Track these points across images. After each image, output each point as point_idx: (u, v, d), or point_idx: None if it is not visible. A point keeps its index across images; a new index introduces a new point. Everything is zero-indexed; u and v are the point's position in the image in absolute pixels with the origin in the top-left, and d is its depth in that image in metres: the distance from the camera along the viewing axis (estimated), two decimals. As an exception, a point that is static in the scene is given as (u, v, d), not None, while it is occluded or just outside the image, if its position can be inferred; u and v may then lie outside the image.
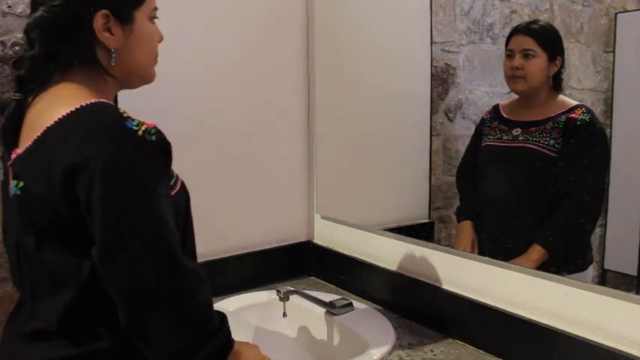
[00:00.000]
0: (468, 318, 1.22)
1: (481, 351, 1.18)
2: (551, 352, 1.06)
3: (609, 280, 1.28)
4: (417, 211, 1.60)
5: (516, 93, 1.34)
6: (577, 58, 1.31)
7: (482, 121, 1.42)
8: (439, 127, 1.56)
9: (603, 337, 0.99)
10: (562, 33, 1.31)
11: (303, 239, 1.72)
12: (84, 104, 0.79)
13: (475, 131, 1.45)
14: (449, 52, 1.53)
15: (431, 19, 1.52)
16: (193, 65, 1.46)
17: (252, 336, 1.37)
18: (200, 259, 1.46)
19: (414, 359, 1.17)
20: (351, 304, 1.36)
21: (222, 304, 1.41)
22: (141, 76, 0.95)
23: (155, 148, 0.80)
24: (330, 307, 1.34)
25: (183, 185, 0.96)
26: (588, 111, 1.24)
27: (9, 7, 1.23)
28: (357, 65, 1.65)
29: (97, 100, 0.81)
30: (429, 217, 1.58)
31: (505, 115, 1.37)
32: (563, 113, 1.26)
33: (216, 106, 1.52)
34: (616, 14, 1.27)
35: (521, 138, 1.31)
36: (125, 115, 0.79)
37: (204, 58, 1.48)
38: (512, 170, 1.36)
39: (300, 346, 1.40)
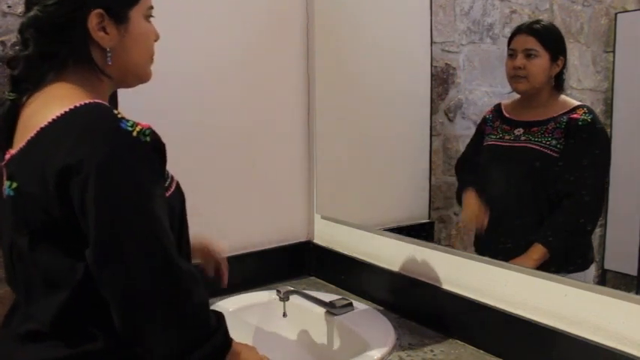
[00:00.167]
0: (468, 318, 1.22)
1: (481, 351, 1.18)
2: (551, 352, 1.06)
3: (609, 280, 1.28)
4: (417, 211, 1.60)
5: (518, 93, 1.34)
6: (577, 58, 1.31)
7: (485, 120, 1.42)
8: (439, 127, 1.56)
9: (603, 337, 0.99)
10: (562, 33, 1.31)
11: (303, 239, 1.72)
12: (78, 105, 0.79)
13: (477, 129, 1.45)
14: (449, 52, 1.53)
15: (431, 19, 1.52)
16: (193, 65, 1.46)
17: (252, 336, 1.37)
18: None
19: (414, 359, 1.17)
20: (351, 304, 1.36)
21: (222, 304, 1.41)
22: (137, 76, 0.94)
23: (149, 149, 0.79)
24: (330, 307, 1.34)
25: (178, 186, 0.96)
26: (590, 111, 1.24)
27: (9, 7, 1.23)
28: (357, 65, 1.65)
29: (91, 101, 0.80)
30: (429, 217, 1.58)
31: (507, 115, 1.37)
32: (565, 113, 1.26)
33: (217, 106, 1.52)
34: (616, 14, 1.27)
35: (523, 138, 1.31)
36: (119, 115, 0.78)
37: (205, 58, 1.48)
38: (513, 170, 1.36)
39: (300, 346, 1.40)
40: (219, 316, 0.88)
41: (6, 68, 0.91)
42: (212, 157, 1.53)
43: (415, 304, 1.36)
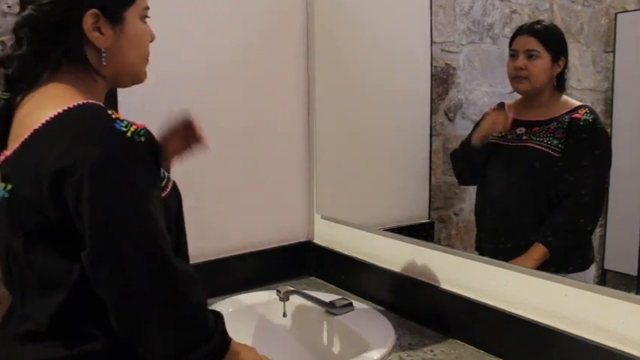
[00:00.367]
0: (468, 318, 1.22)
1: (481, 351, 1.18)
2: (551, 352, 1.06)
3: (609, 280, 1.28)
4: (417, 211, 1.60)
5: (519, 93, 1.34)
6: (577, 58, 1.31)
7: (485, 116, 1.42)
8: (439, 127, 1.56)
9: (603, 337, 0.99)
10: (563, 33, 1.31)
11: (303, 239, 1.72)
12: (71, 106, 0.78)
13: (478, 124, 1.44)
14: (449, 52, 1.53)
15: (431, 19, 1.52)
16: (194, 65, 1.46)
17: (252, 336, 1.37)
18: (201, 259, 1.47)
19: (414, 359, 1.17)
20: (351, 304, 1.36)
21: (223, 304, 1.41)
22: (131, 76, 0.94)
23: (144, 149, 0.79)
24: (330, 307, 1.34)
25: (174, 186, 0.95)
26: (591, 111, 1.24)
27: (9, 7, 1.23)
28: (357, 65, 1.65)
29: (85, 101, 0.80)
30: (429, 217, 1.58)
31: (510, 114, 1.37)
32: (567, 113, 1.26)
33: (217, 106, 1.52)
34: (616, 14, 1.27)
35: (524, 137, 1.31)
36: (114, 116, 0.78)
37: (205, 58, 1.48)
38: (514, 169, 1.36)
39: (300, 346, 1.40)
40: (218, 317, 0.88)
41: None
42: (212, 157, 1.52)
43: (415, 304, 1.36)
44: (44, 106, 0.80)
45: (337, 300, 1.36)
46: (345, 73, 1.65)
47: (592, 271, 1.27)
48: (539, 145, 1.28)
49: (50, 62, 0.85)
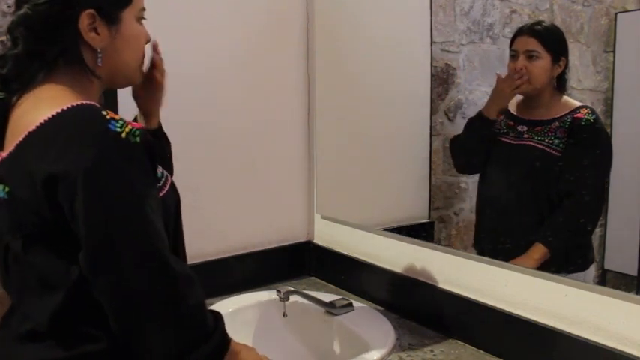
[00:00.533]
0: (468, 318, 1.22)
1: (481, 351, 1.18)
2: (551, 352, 1.06)
3: (609, 280, 1.27)
4: (417, 211, 1.60)
5: (520, 94, 1.34)
6: (577, 58, 1.31)
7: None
8: (439, 127, 1.56)
9: (603, 337, 0.99)
10: (564, 34, 1.31)
11: (303, 239, 1.72)
12: (65, 107, 0.78)
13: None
14: (449, 52, 1.53)
15: (431, 19, 1.52)
16: (193, 65, 1.45)
17: (252, 336, 1.37)
18: (200, 259, 1.47)
19: (414, 359, 1.17)
20: (351, 304, 1.36)
21: (223, 304, 1.41)
22: (126, 77, 0.94)
23: (140, 150, 0.78)
24: (330, 307, 1.34)
25: (173, 186, 0.95)
26: (593, 112, 1.24)
27: (9, 7, 1.23)
28: (357, 65, 1.65)
29: (80, 102, 0.79)
30: (429, 217, 1.58)
31: (512, 111, 1.36)
32: (568, 113, 1.26)
33: (217, 107, 1.52)
34: (616, 14, 1.27)
35: (525, 136, 1.32)
36: (108, 116, 0.77)
37: (205, 58, 1.48)
38: (514, 169, 1.36)
39: (300, 346, 1.40)
40: (217, 317, 0.87)
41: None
42: (212, 157, 1.53)
43: (415, 304, 1.36)
44: (39, 107, 0.80)
45: (337, 300, 1.36)
46: (345, 73, 1.65)
47: (592, 271, 1.27)
48: (540, 144, 1.28)
49: (46, 62, 0.84)
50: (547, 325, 1.07)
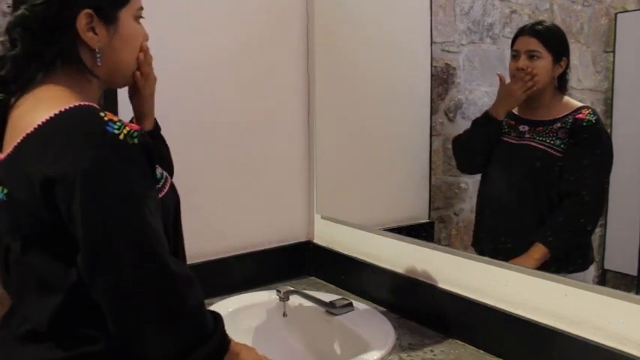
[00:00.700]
0: (468, 318, 1.22)
1: (481, 351, 1.18)
2: (551, 352, 1.06)
3: (609, 280, 1.27)
4: (417, 211, 1.60)
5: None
6: (577, 58, 1.31)
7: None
8: (439, 127, 1.56)
9: (603, 337, 0.99)
10: (565, 34, 1.31)
11: (303, 239, 1.72)
12: (64, 109, 0.77)
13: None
14: (449, 52, 1.53)
15: (431, 19, 1.52)
16: (193, 65, 1.46)
17: (252, 336, 1.37)
18: (200, 259, 1.47)
19: (414, 359, 1.17)
20: (351, 304, 1.36)
21: (222, 304, 1.41)
22: (125, 76, 0.94)
23: (138, 151, 0.78)
24: (330, 307, 1.34)
25: (172, 187, 0.95)
26: (594, 112, 1.24)
27: (9, 7, 1.23)
28: (357, 65, 1.65)
29: (78, 104, 0.79)
30: (429, 217, 1.58)
31: (513, 111, 1.36)
32: (570, 114, 1.26)
33: (216, 106, 1.52)
34: (616, 14, 1.27)
35: (527, 135, 1.32)
36: (106, 118, 0.77)
37: (205, 57, 1.48)
38: (515, 168, 1.36)
39: (300, 346, 1.40)
40: (217, 318, 0.87)
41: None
42: (212, 157, 1.53)
43: (415, 304, 1.36)
44: (38, 108, 0.79)
45: (337, 300, 1.36)
46: (345, 73, 1.65)
47: (592, 271, 1.27)
48: (541, 144, 1.28)
49: (44, 63, 0.84)
50: (547, 325, 1.07)
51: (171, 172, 1.07)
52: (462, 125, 1.54)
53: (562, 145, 1.26)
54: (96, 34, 0.85)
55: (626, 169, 1.21)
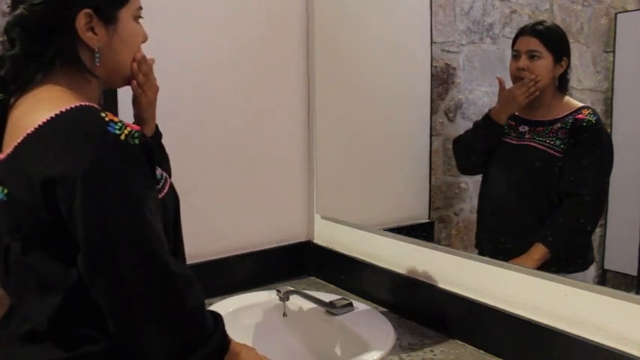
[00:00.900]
0: (468, 318, 1.22)
1: (481, 351, 1.18)
2: (551, 352, 1.06)
3: (609, 280, 1.28)
4: (417, 211, 1.60)
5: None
6: (577, 58, 1.31)
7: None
8: (439, 127, 1.56)
9: (603, 337, 0.99)
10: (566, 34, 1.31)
11: (303, 239, 1.72)
12: (64, 109, 0.77)
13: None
14: (449, 52, 1.53)
15: (431, 19, 1.52)
16: (193, 65, 1.46)
17: (252, 336, 1.37)
18: (200, 259, 1.47)
19: (413, 359, 1.17)
20: (351, 304, 1.36)
21: (223, 304, 1.41)
22: (123, 77, 0.94)
23: (139, 152, 0.78)
24: (330, 307, 1.34)
25: (172, 187, 0.95)
26: (594, 112, 1.25)
27: (9, 7, 1.23)
28: (357, 65, 1.65)
29: (78, 104, 0.79)
30: (429, 217, 1.58)
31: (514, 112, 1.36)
32: (570, 114, 1.26)
33: (216, 107, 1.52)
34: (616, 14, 1.27)
35: (527, 136, 1.32)
36: (107, 118, 0.77)
37: (205, 57, 1.48)
38: (515, 169, 1.36)
39: (300, 346, 1.40)
40: (217, 318, 0.87)
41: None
42: (212, 157, 1.53)
43: (415, 304, 1.36)
44: (38, 108, 0.79)
45: (337, 300, 1.36)
46: (345, 73, 1.65)
47: (592, 271, 1.27)
48: (541, 144, 1.28)
49: (43, 63, 0.84)
50: (547, 325, 1.07)
51: (169, 175, 1.07)
52: (462, 125, 1.54)
53: (562, 146, 1.26)
54: (95, 33, 0.85)
55: (626, 169, 1.21)
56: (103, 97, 1.25)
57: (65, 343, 0.80)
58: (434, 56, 1.53)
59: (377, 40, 1.63)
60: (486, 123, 1.37)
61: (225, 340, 0.86)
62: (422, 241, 1.38)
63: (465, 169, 1.54)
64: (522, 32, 1.31)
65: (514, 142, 1.34)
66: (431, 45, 1.53)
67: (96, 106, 0.82)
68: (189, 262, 1.02)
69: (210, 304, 1.40)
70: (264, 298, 1.47)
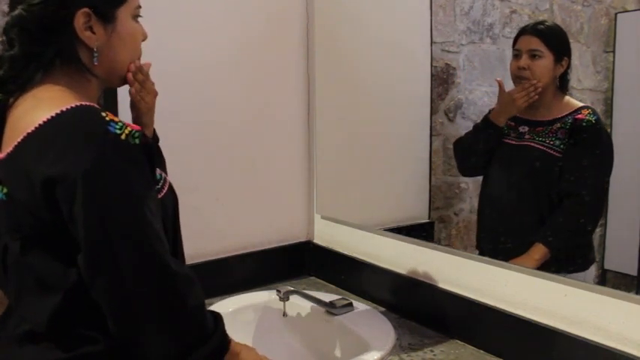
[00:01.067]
0: (468, 318, 1.22)
1: (481, 351, 1.18)
2: (551, 352, 1.06)
3: (609, 280, 1.27)
4: (417, 211, 1.60)
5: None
6: (577, 58, 1.31)
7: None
8: (439, 127, 1.56)
9: (603, 337, 0.99)
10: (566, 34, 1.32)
11: (303, 239, 1.72)
12: (65, 109, 0.77)
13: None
14: (449, 52, 1.53)
15: (431, 19, 1.52)
16: (193, 65, 1.46)
17: (252, 336, 1.37)
18: (200, 259, 1.47)
19: (413, 359, 1.17)
20: (351, 304, 1.36)
21: (223, 304, 1.41)
22: (122, 76, 0.93)
23: (139, 151, 0.78)
24: (330, 307, 1.34)
25: (171, 187, 0.95)
26: (594, 112, 1.24)
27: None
28: (357, 65, 1.65)
29: (79, 104, 0.79)
30: (429, 217, 1.58)
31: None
32: (570, 114, 1.26)
33: (216, 106, 1.52)
34: (616, 14, 1.27)
35: (527, 136, 1.32)
36: (108, 118, 0.77)
37: (205, 57, 1.48)
38: (515, 169, 1.36)
39: (300, 346, 1.40)
40: (217, 317, 0.87)
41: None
42: (212, 157, 1.53)
43: (415, 304, 1.36)
44: (38, 107, 0.79)
45: (337, 300, 1.36)
46: (345, 73, 1.65)
47: (592, 271, 1.27)
48: (541, 145, 1.28)
49: (42, 63, 0.84)
50: (547, 325, 1.07)
51: None
52: (462, 125, 1.54)
53: (562, 146, 1.26)
54: (94, 33, 0.85)
55: (626, 169, 1.21)
56: (103, 97, 1.25)
57: (64, 344, 0.80)
58: (434, 56, 1.53)
59: (377, 40, 1.63)
60: (485, 125, 1.38)
61: (225, 340, 0.86)
62: (422, 241, 1.38)
63: (466, 171, 1.54)
64: (523, 31, 1.31)
65: (514, 142, 1.34)
66: (431, 45, 1.53)
67: (96, 105, 0.82)
68: (189, 262, 1.02)
69: (210, 304, 1.40)
70: (264, 298, 1.47)
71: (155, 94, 1.05)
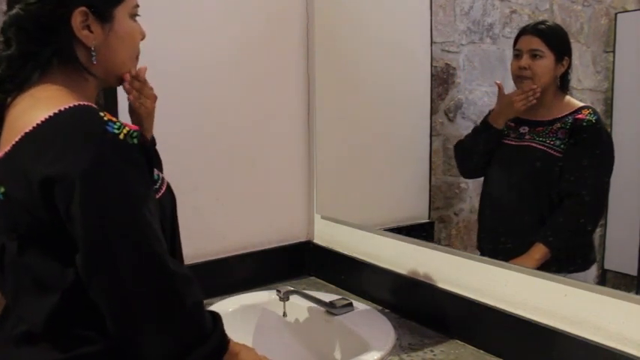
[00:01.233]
0: (468, 318, 1.22)
1: (481, 351, 1.18)
2: (551, 352, 1.06)
3: (609, 280, 1.27)
4: (417, 211, 1.60)
5: None
6: (577, 58, 1.31)
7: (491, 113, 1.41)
8: (439, 127, 1.56)
9: (603, 337, 0.99)
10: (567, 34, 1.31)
11: (303, 239, 1.72)
12: (63, 108, 0.77)
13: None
14: (449, 52, 1.53)
15: (431, 19, 1.52)
16: (193, 65, 1.46)
17: (252, 336, 1.37)
18: (200, 259, 1.47)
19: (413, 359, 1.17)
20: (351, 304, 1.36)
21: (222, 304, 1.41)
22: (120, 76, 0.93)
23: (137, 151, 0.78)
24: (330, 307, 1.34)
25: (169, 187, 0.95)
26: (595, 112, 1.24)
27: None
28: (357, 65, 1.65)
29: (77, 103, 0.78)
30: (429, 217, 1.58)
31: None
32: (570, 114, 1.26)
33: (216, 106, 1.52)
34: (616, 14, 1.27)
35: (527, 137, 1.32)
36: (106, 118, 0.77)
37: (205, 58, 1.48)
38: (515, 169, 1.36)
39: (300, 346, 1.40)
40: (216, 317, 0.87)
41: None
42: (212, 157, 1.53)
43: (415, 304, 1.36)
44: (36, 107, 0.79)
45: (337, 300, 1.36)
46: (345, 73, 1.65)
47: (593, 271, 1.27)
48: (541, 145, 1.28)
49: (40, 62, 0.83)
50: (547, 325, 1.07)
51: None
52: (462, 125, 1.54)
53: (562, 146, 1.26)
54: (91, 32, 0.84)
55: (626, 169, 1.21)
56: (103, 97, 1.25)
57: (62, 344, 0.80)
58: (434, 56, 1.53)
59: (377, 40, 1.63)
60: (485, 128, 1.38)
61: (224, 340, 0.86)
62: (422, 241, 1.38)
63: (467, 173, 1.54)
64: (524, 31, 1.31)
65: (514, 143, 1.34)
66: (431, 45, 1.53)
67: (94, 105, 0.81)
68: (189, 262, 1.02)
69: (210, 304, 1.40)
70: (264, 298, 1.47)
71: (154, 98, 1.05)
